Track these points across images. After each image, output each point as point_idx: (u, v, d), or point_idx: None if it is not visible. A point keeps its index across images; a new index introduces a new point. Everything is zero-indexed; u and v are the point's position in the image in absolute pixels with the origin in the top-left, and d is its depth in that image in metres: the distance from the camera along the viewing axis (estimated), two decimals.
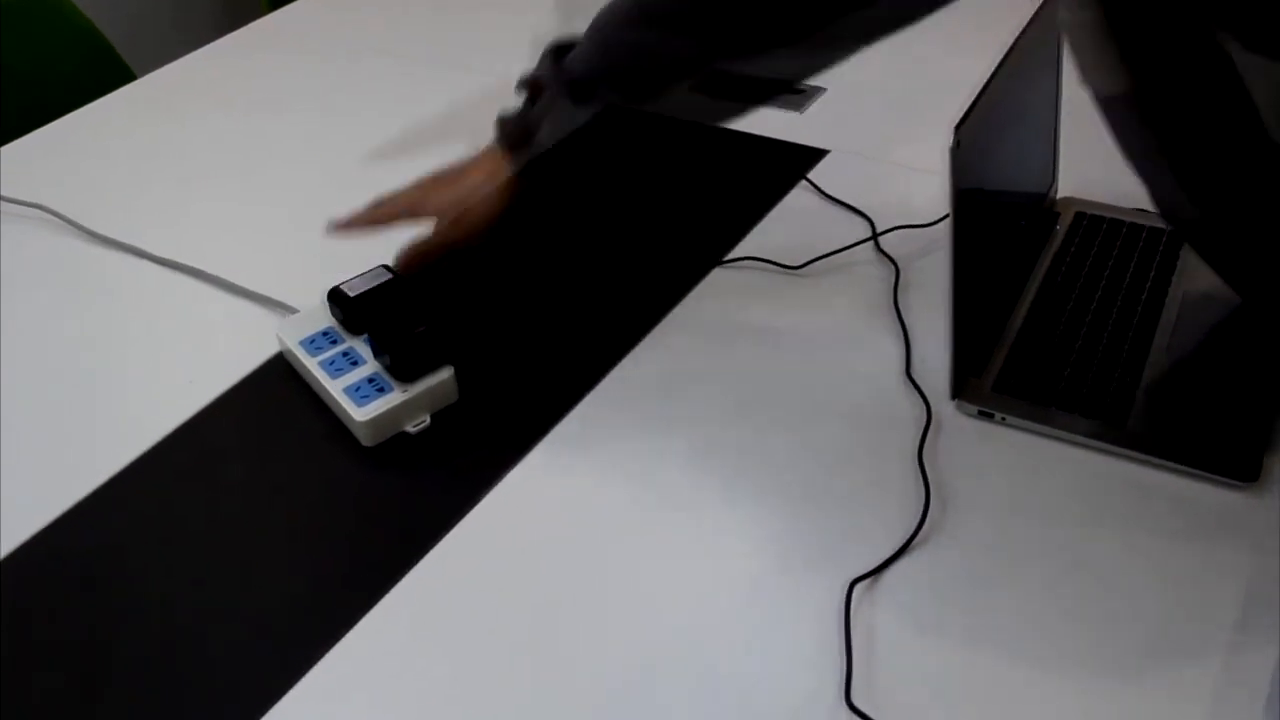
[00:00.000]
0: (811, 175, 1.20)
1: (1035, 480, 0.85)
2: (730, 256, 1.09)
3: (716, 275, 1.07)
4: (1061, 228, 1.08)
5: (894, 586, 0.78)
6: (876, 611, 0.76)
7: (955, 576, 0.78)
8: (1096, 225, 1.08)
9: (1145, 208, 1.11)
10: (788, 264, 1.07)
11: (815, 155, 1.24)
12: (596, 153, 1.26)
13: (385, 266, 0.99)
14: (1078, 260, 1.04)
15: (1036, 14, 0.96)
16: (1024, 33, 0.94)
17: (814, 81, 1.37)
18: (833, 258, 1.08)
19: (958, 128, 0.82)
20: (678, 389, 0.95)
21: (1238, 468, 0.84)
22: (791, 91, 1.36)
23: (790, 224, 1.13)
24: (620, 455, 0.89)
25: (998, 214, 0.96)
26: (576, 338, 1.00)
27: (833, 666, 0.73)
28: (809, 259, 1.08)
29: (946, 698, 0.71)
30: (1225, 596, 0.76)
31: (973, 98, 0.84)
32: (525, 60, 1.00)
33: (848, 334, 1.00)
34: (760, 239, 1.11)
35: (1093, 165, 1.19)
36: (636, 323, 1.02)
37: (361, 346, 0.95)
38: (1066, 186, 1.13)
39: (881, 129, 1.27)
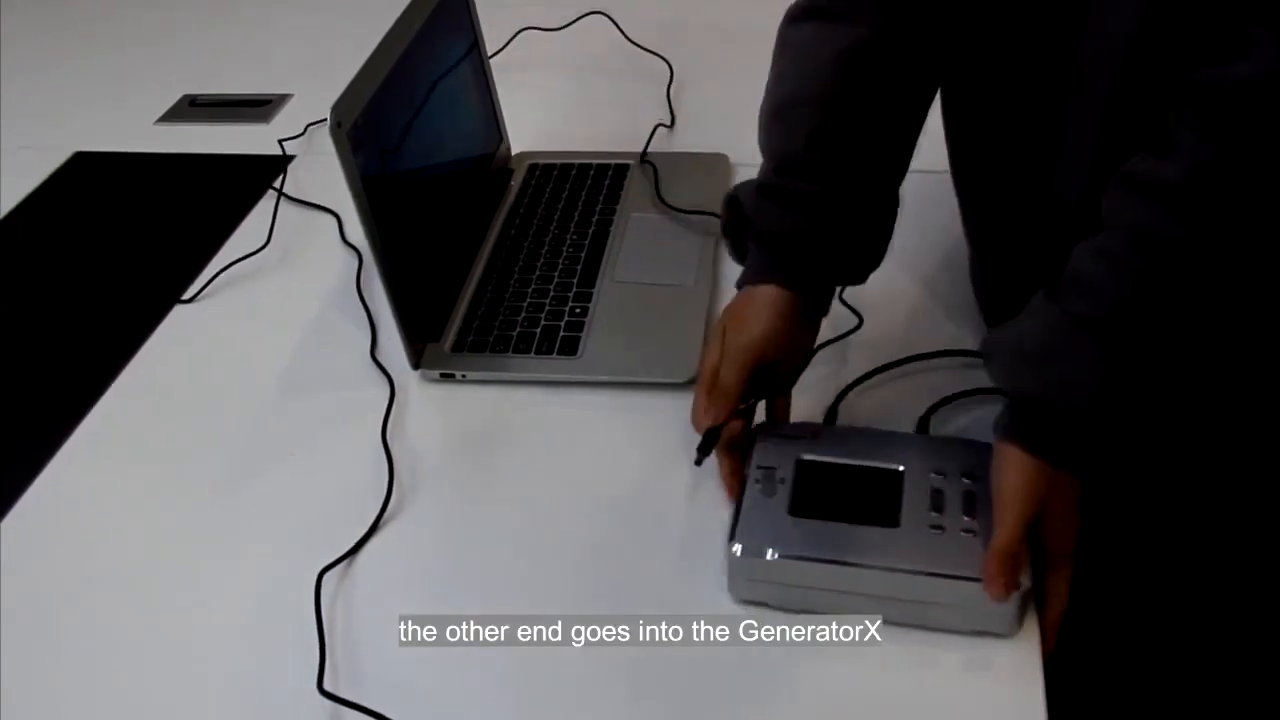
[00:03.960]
0: (282, 182, 1.19)
1: (502, 427, 0.88)
2: (202, 283, 1.06)
3: (179, 311, 1.04)
4: (516, 183, 1.12)
5: (367, 568, 0.79)
6: (352, 596, 0.77)
7: (426, 545, 0.80)
8: (549, 174, 1.12)
9: (597, 149, 1.18)
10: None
11: (282, 162, 1.23)
12: (62, 207, 1.21)
13: None
14: (531, 210, 1.08)
15: None
16: (409, 10, 0.96)
17: (281, 90, 1.37)
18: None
19: (335, 108, 0.83)
20: (165, 416, 0.93)
21: (676, 371, 0.90)
22: (256, 104, 1.34)
23: (262, 234, 1.12)
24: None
25: (427, 184, 0.98)
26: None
27: (309, 657, 0.73)
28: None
29: (423, 667, 0.72)
30: (677, 482, 0.82)
31: (350, 81, 0.86)
32: None
33: (316, 328, 1.00)
34: (232, 256, 1.09)
35: (542, 119, 1.25)
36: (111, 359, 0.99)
37: None
38: (520, 143, 1.17)
39: None
